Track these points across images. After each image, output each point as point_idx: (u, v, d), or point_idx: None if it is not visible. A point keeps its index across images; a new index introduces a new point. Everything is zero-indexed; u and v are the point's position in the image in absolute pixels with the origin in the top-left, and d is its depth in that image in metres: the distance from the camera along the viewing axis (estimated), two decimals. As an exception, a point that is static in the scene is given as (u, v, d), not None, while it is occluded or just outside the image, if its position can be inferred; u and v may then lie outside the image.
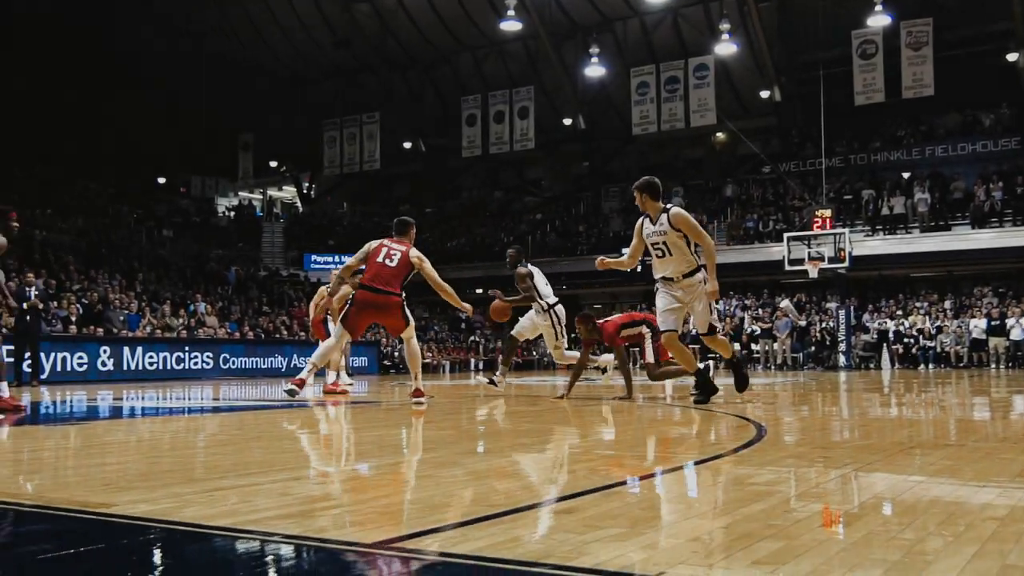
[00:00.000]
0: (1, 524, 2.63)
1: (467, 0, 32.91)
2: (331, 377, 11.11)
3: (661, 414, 7.22)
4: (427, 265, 8.27)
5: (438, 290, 8.39)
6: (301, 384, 8.26)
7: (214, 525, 2.40)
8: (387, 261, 8.12)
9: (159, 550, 2.23)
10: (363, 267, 8.44)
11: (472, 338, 31.38)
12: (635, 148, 36.65)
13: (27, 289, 15.08)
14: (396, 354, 24.37)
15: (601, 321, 9.22)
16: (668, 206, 7.50)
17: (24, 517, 2.66)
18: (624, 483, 3.36)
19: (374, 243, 8.40)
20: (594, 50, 32.15)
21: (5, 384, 7.68)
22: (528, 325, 10.18)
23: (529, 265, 10.11)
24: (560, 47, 33.83)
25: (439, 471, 3.73)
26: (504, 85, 34.96)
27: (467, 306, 8.91)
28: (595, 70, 32.80)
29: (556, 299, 10.08)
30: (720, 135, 35.29)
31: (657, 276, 7.67)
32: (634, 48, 33.25)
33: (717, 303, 8.10)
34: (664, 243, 7.47)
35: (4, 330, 14.24)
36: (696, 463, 3.81)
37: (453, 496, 2.96)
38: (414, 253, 8.25)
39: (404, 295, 8.26)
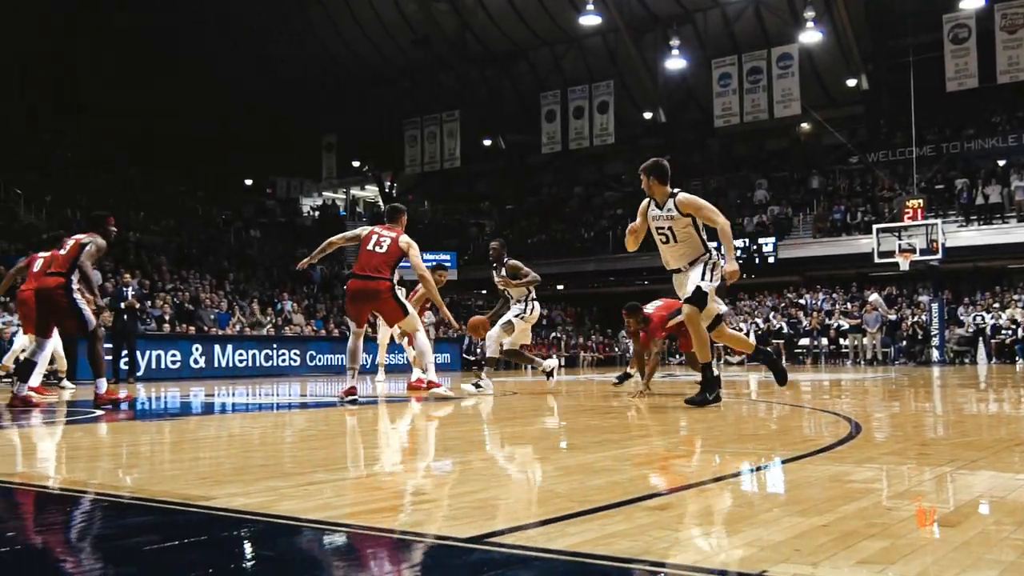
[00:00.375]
0: (107, 516, 2.72)
1: (545, -4, 32.96)
2: (416, 374, 11.20)
3: (748, 410, 7.10)
4: (415, 251, 8.19)
5: (423, 282, 8.31)
6: (352, 392, 8.15)
7: (310, 519, 2.43)
8: (376, 248, 8.10)
9: (260, 542, 2.27)
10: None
11: (553, 334, 31.29)
12: (717, 140, 36.18)
13: (124, 289, 15.56)
14: (478, 350, 24.47)
15: (647, 311, 9.11)
16: (675, 191, 6.98)
17: (128, 509, 2.74)
18: (719, 480, 3.30)
19: (365, 230, 8.40)
20: (674, 42, 31.81)
21: (103, 380, 7.95)
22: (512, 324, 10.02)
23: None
24: (640, 40, 33.56)
25: (529, 467, 3.73)
26: (583, 80, 34.84)
27: (447, 312, 8.95)
28: (675, 62, 32.44)
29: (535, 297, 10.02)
30: (805, 125, 34.55)
31: (669, 269, 7.23)
32: (715, 39, 32.80)
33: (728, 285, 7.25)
34: (670, 229, 6.95)
35: (103, 329, 14.72)
36: (791, 460, 3.72)
37: (545, 492, 2.95)
38: (404, 239, 8.21)
39: (394, 281, 8.23)
